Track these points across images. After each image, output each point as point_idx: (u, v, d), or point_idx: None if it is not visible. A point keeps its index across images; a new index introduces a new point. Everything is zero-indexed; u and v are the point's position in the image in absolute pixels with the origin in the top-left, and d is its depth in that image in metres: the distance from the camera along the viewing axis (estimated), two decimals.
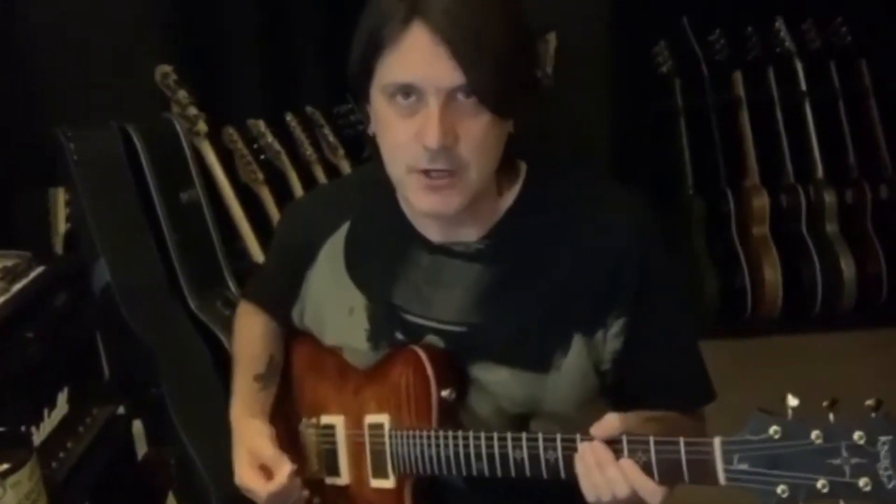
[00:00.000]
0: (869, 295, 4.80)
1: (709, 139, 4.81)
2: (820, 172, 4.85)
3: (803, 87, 4.85)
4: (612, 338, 1.42)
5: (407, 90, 1.28)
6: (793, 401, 1.10)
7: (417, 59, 1.26)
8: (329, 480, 1.59)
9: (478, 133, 1.29)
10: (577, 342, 1.41)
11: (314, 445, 1.61)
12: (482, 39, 1.24)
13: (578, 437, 1.26)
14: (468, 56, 1.24)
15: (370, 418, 1.50)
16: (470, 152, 1.29)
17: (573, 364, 1.41)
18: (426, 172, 1.30)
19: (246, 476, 1.54)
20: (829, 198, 4.82)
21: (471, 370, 1.44)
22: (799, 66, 4.83)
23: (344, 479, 1.57)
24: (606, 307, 1.40)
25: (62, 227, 3.26)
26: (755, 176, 4.84)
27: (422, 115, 1.27)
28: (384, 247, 1.51)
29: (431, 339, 1.47)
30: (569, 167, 1.50)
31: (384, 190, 1.46)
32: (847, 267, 4.75)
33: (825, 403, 1.07)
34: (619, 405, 1.45)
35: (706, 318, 4.69)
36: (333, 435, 1.57)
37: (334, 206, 1.60)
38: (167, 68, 3.56)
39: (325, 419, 1.59)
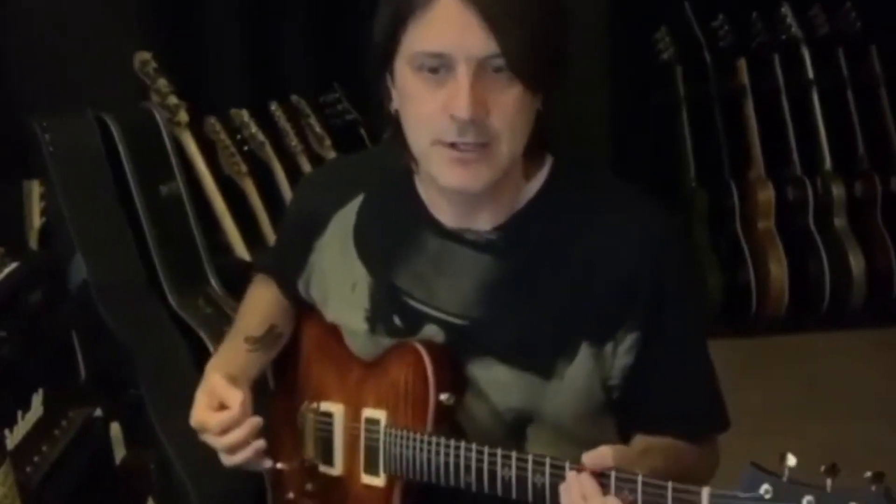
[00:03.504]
0: (879, 291, 4.76)
1: (712, 129, 4.78)
2: (828, 164, 4.82)
3: (810, 74, 4.81)
4: (623, 353, 1.40)
5: (435, 61, 1.27)
6: (791, 460, 1.07)
7: (448, 27, 1.25)
8: (323, 469, 1.59)
9: (509, 106, 1.28)
10: (584, 351, 1.39)
11: (312, 431, 1.60)
12: (514, 8, 1.25)
13: (568, 464, 1.25)
14: (500, 24, 1.24)
15: (368, 412, 1.50)
16: (501, 125, 1.29)
17: (577, 374, 1.40)
18: (453, 145, 1.30)
19: (198, 411, 1.51)
20: (838, 190, 4.78)
21: (469, 368, 1.43)
22: (806, 53, 4.80)
23: (337, 469, 1.56)
24: (618, 319, 1.39)
25: (37, 221, 3.22)
26: (760, 168, 4.80)
27: (450, 87, 1.27)
28: (394, 226, 1.51)
29: (431, 329, 1.46)
30: (595, 169, 1.53)
31: (401, 170, 1.47)
32: (856, 262, 4.71)
33: (823, 468, 1.04)
34: (624, 425, 1.48)
35: (709, 316, 4.59)
36: (331, 423, 1.57)
37: (349, 178, 1.61)
38: (146, 55, 3.47)
39: (325, 406, 1.59)
